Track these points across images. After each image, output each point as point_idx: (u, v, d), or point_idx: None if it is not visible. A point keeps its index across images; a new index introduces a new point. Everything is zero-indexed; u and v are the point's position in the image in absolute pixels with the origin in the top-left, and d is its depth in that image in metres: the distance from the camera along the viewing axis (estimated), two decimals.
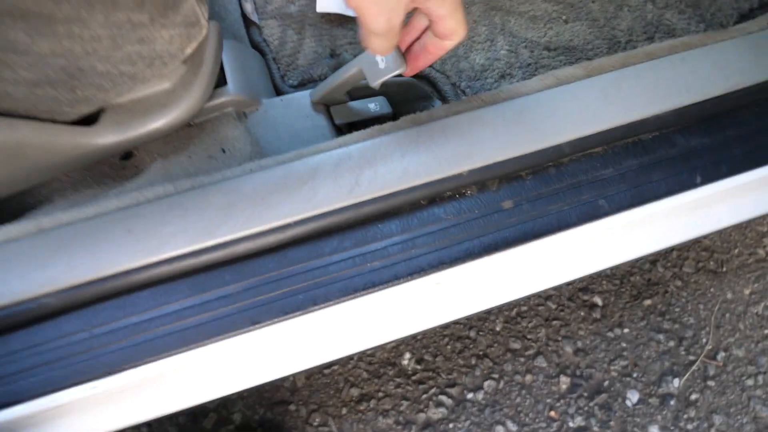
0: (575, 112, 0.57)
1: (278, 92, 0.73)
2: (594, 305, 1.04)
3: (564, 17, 0.79)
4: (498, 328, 1.01)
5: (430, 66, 0.75)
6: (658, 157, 0.59)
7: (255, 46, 0.76)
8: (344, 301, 0.53)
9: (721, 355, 1.00)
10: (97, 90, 0.52)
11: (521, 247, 0.55)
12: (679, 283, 1.06)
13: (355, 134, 0.56)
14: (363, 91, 0.69)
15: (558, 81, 0.59)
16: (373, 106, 0.66)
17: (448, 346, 0.99)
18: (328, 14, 0.77)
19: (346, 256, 0.53)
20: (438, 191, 0.54)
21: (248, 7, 0.76)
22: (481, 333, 1.00)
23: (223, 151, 0.61)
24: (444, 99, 0.73)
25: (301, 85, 0.73)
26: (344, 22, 0.77)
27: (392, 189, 0.53)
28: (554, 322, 1.02)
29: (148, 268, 0.50)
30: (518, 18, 0.78)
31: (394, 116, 0.67)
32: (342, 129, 0.65)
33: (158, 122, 0.57)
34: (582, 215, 0.56)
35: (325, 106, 0.66)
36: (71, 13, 0.44)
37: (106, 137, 0.56)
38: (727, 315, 1.04)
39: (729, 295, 1.05)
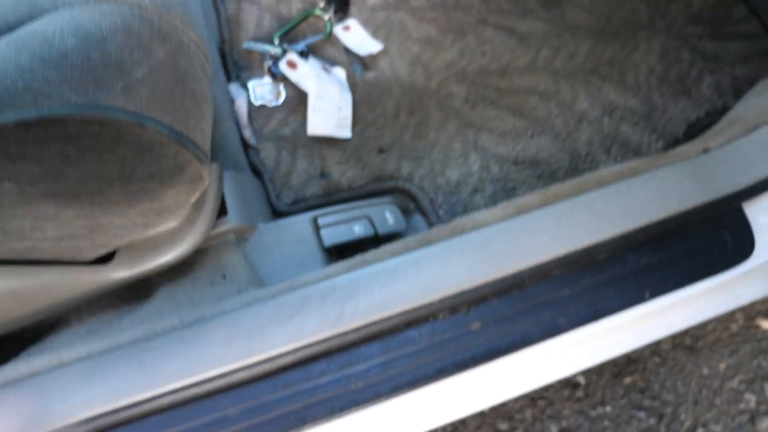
0: (534, 241, 0.64)
1: (274, 210, 0.81)
2: (577, 384, 1.09)
3: (530, 132, 0.87)
4: (486, 410, 1.06)
5: (411, 182, 0.83)
6: (610, 276, 0.66)
7: (253, 167, 0.85)
8: (331, 420, 0.59)
9: (700, 431, 1.05)
10: (114, 237, 0.60)
11: (488, 364, 0.62)
12: (657, 360, 1.12)
13: (340, 265, 0.63)
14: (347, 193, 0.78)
15: (518, 209, 0.66)
16: (358, 228, 0.74)
17: (439, 429, 1.04)
18: (318, 136, 0.86)
19: (332, 378, 0.60)
20: (413, 318, 0.61)
21: (247, 133, 0.85)
22: (470, 415, 1.05)
23: (224, 277, 0.69)
24: (423, 213, 0.81)
25: (295, 203, 0.82)
26: (333, 143, 0.86)
27: (372, 318, 0.60)
28: (539, 402, 1.07)
29: (157, 398, 0.57)
30: (489, 134, 0.87)
31: (376, 236, 0.75)
32: (330, 251, 0.73)
33: (167, 257, 0.65)
34: (543, 333, 0.63)
35: (316, 227, 0.74)
36: (94, 188, 0.52)
37: (120, 272, 0.64)
38: (704, 390, 1.09)
39: (705, 371, 1.11)
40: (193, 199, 0.62)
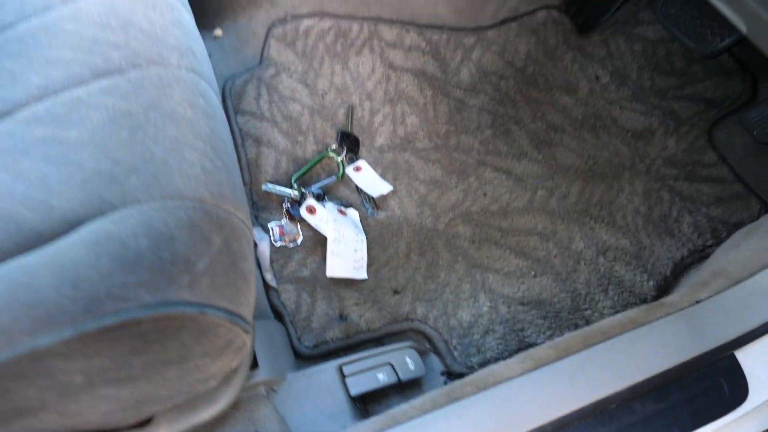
0: (552, 396, 0.69)
1: (296, 353, 0.85)
2: None
3: (533, 272, 0.94)
4: None
5: (426, 323, 0.88)
6: (621, 425, 0.71)
7: (274, 308, 0.89)
8: None
9: None
10: (159, 405, 0.63)
11: None
12: None
13: (371, 424, 0.67)
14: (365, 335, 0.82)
15: (535, 363, 0.72)
16: (382, 376, 0.78)
17: None
18: (336, 278, 0.91)
19: None
20: None
21: (268, 276, 0.90)
22: None
23: None
24: (438, 354, 0.86)
25: (316, 347, 0.85)
26: (350, 284, 0.91)
27: None
28: None
29: None
30: (495, 274, 0.94)
31: (399, 382, 0.78)
32: (356, 399, 0.76)
33: (203, 416, 0.67)
34: None
35: (342, 375, 0.77)
36: (153, 371, 0.56)
37: None
38: None
39: None
40: (236, 364, 0.65)
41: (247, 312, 0.63)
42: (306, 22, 1.15)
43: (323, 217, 0.94)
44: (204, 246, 0.56)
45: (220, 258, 0.58)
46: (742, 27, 0.72)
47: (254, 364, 0.74)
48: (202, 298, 0.55)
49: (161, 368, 0.55)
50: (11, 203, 0.57)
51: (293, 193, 0.97)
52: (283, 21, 1.16)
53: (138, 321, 0.50)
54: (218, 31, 1.15)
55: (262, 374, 0.73)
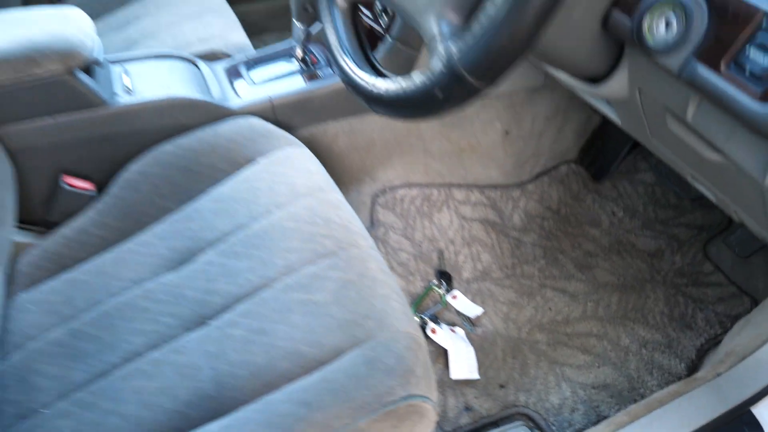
0: None
1: None
2: None
3: (597, 364, 1.30)
4: None
5: (528, 407, 1.23)
6: None
7: None
8: None
9: None
10: None
11: None
12: None
13: None
14: (487, 419, 1.15)
15: (616, 426, 1.06)
16: None
17: None
18: (458, 379, 1.27)
19: None
20: None
21: None
22: None
23: None
24: (541, 429, 1.20)
25: (455, 431, 1.19)
26: (468, 383, 1.27)
27: None
28: None
29: None
30: (570, 368, 1.30)
31: None
32: None
33: None
34: None
35: None
36: None
37: None
38: None
39: None
40: None
41: (436, 400, 0.99)
42: (400, 191, 1.60)
43: (442, 335, 1.31)
44: (417, 360, 0.94)
45: (422, 366, 0.95)
46: (712, 198, 1.15)
47: None
48: (423, 392, 0.91)
49: None
50: (294, 343, 0.95)
51: (416, 320, 1.35)
52: (383, 191, 1.60)
53: (399, 408, 0.86)
54: None
55: None
